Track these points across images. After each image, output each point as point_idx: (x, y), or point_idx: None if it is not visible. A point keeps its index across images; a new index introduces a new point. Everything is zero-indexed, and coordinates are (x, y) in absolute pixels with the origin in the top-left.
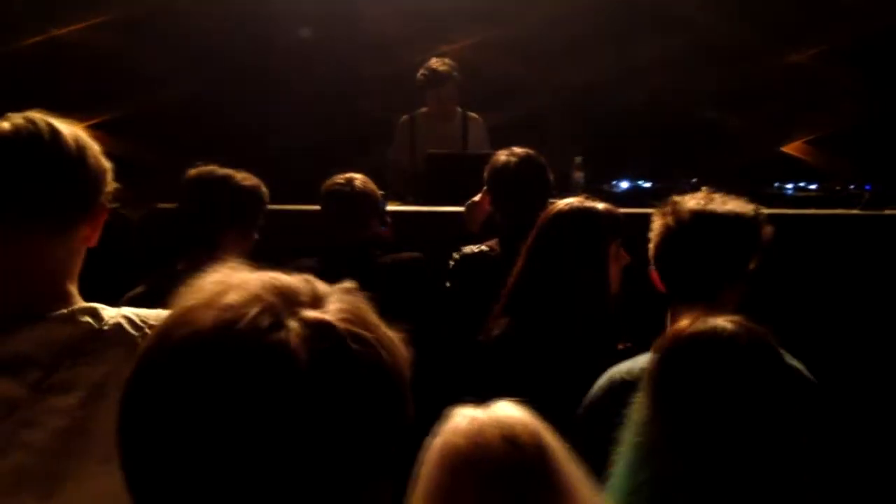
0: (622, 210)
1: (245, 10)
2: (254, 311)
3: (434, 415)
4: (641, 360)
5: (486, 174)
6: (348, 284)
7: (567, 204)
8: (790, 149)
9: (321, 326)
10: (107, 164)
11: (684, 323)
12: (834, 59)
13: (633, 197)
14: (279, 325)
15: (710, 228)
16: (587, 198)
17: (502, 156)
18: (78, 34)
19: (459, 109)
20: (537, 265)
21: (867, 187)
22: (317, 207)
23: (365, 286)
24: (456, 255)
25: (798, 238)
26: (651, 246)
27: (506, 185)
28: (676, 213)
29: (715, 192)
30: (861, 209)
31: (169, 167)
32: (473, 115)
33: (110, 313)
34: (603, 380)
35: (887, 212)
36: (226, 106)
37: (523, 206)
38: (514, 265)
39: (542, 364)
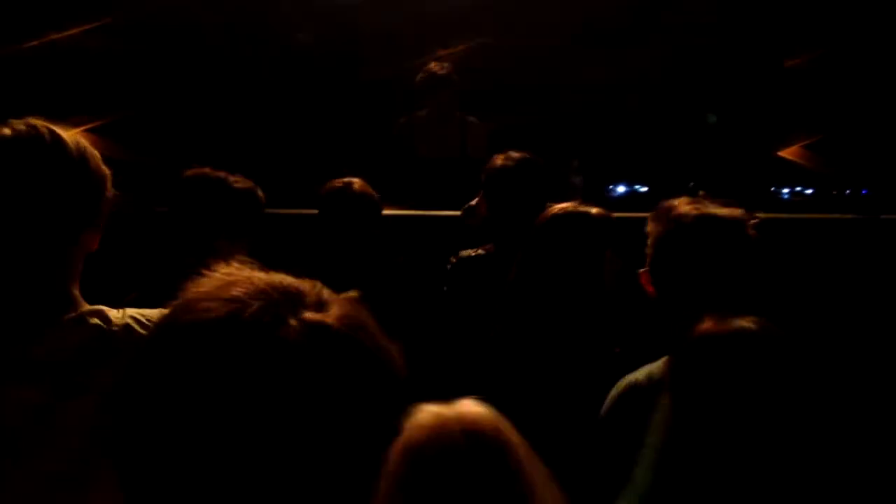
0: (618, 214)
1: (244, 13)
2: (258, 304)
3: None
4: (658, 365)
5: (483, 178)
6: (353, 294)
7: (561, 208)
8: (787, 153)
9: (320, 328)
10: (106, 170)
11: (706, 325)
12: (831, 63)
13: (630, 201)
14: (280, 321)
15: (705, 233)
16: (581, 202)
17: (499, 159)
18: (77, 38)
19: (458, 113)
20: (532, 270)
21: (863, 192)
22: (314, 211)
23: (362, 290)
24: (453, 259)
25: (794, 242)
26: (647, 251)
27: (503, 189)
28: (671, 217)
29: (710, 196)
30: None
31: (165, 170)
32: (472, 118)
33: (116, 315)
34: (622, 384)
35: (883, 216)
36: (223, 108)
37: (520, 210)
38: (510, 269)
39: (537, 367)
